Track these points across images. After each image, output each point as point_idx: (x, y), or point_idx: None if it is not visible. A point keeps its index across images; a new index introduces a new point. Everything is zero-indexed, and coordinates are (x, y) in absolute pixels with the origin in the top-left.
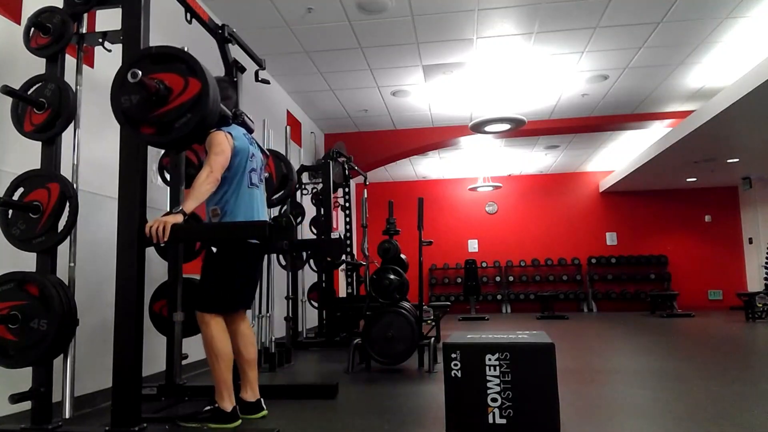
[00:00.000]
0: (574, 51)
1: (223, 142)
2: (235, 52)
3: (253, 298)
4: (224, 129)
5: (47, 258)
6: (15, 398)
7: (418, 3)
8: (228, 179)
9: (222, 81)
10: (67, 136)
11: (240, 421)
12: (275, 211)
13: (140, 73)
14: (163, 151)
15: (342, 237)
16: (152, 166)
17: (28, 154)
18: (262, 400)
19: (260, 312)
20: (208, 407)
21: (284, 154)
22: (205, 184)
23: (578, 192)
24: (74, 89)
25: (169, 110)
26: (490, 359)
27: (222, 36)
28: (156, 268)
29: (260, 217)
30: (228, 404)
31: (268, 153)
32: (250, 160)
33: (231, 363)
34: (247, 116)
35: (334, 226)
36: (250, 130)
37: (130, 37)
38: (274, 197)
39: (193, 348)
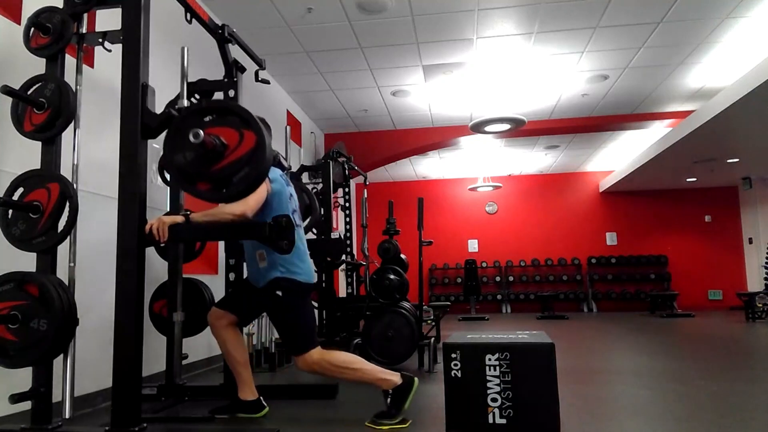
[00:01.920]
0: (574, 51)
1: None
2: (235, 52)
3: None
4: None
5: (47, 258)
6: (15, 398)
7: (418, 3)
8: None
9: (261, 122)
10: (67, 136)
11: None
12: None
13: (202, 133)
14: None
15: (342, 237)
16: (152, 166)
17: (28, 154)
18: (261, 398)
19: None
20: (384, 410)
21: (284, 154)
22: (229, 214)
23: (578, 192)
24: (74, 89)
25: (227, 165)
26: (490, 359)
27: (222, 36)
28: (156, 268)
29: (306, 258)
30: (391, 382)
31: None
32: (289, 202)
33: (363, 360)
34: (282, 156)
35: (334, 226)
36: (283, 168)
37: (130, 37)
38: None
39: (193, 348)
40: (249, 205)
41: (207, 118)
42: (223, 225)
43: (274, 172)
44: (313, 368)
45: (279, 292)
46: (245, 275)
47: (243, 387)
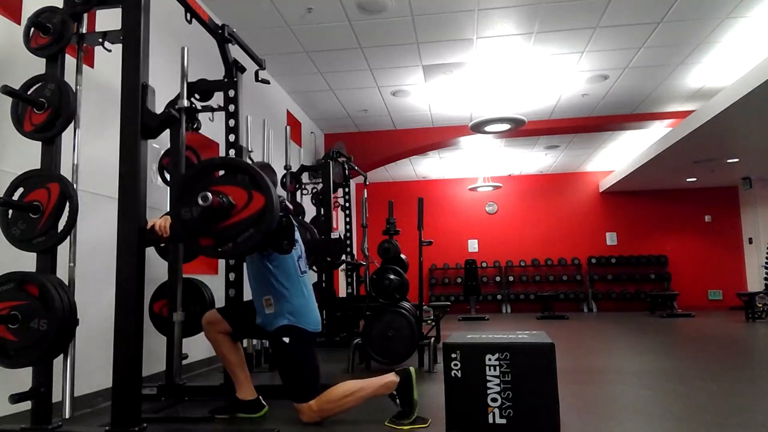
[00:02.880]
0: (574, 51)
1: None
2: (235, 52)
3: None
4: None
5: (47, 258)
6: (15, 398)
7: (418, 3)
8: (279, 269)
9: (265, 168)
10: (67, 136)
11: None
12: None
13: (211, 196)
14: (163, 151)
15: (342, 237)
16: (152, 166)
17: (28, 154)
18: (261, 397)
19: None
20: (397, 412)
21: (284, 154)
22: None
23: (578, 192)
24: (74, 89)
25: (232, 225)
26: (490, 359)
27: (222, 36)
28: (156, 268)
29: (313, 305)
30: (392, 380)
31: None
32: (295, 249)
33: (355, 381)
34: (287, 201)
35: (334, 226)
36: (288, 211)
37: (130, 37)
38: None
39: (193, 348)
40: None
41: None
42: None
43: None
44: (318, 415)
45: (286, 339)
46: (245, 275)
47: (240, 387)
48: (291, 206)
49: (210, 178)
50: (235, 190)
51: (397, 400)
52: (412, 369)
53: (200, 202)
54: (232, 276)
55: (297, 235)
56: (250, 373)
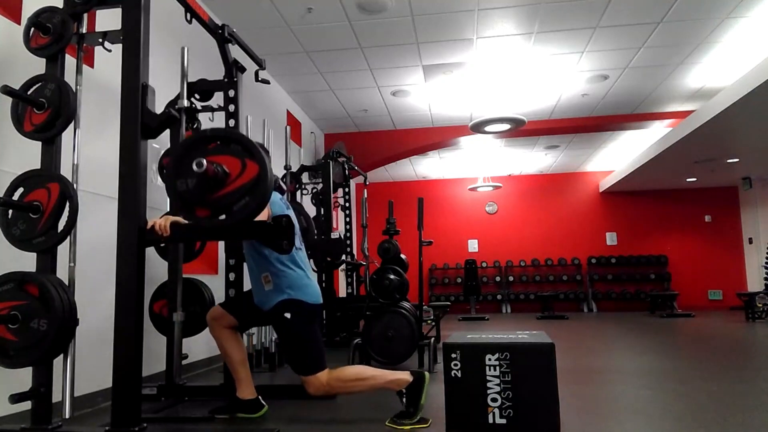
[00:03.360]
0: (574, 51)
1: None
2: (235, 52)
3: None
4: None
5: (47, 258)
6: (15, 398)
7: (418, 3)
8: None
9: (260, 147)
10: (67, 136)
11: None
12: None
13: (206, 162)
14: (163, 151)
15: (342, 237)
16: (152, 166)
17: (28, 154)
18: (260, 397)
19: None
20: (402, 410)
21: (284, 154)
22: None
23: (578, 192)
24: (74, 89)
25: (228, 194)
26: (490, 359)
27: (222, 36)
28: (156, 268)
29: (311, 279)
30: (406, 377)
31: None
32: None
33: (369, 368)
34: (281, 180)
35: (334, 226)
36: (282, 192)
37: (130, 37)
38: None
39: (193, 348)
40: None
41: (211, 146)
42: (224, 225)
43: (274, 196)
44: (325, 390)
45: (288, 315)
46: (245, 275)
47: (241, 386)
48: (285, 187)
49: (203, 149)
50: (229, 159)
51: (404, 399)
52: (427, 374)
53: (195, 168)
54: (232, 276)
55: (291, 212)
56: (251, 372)
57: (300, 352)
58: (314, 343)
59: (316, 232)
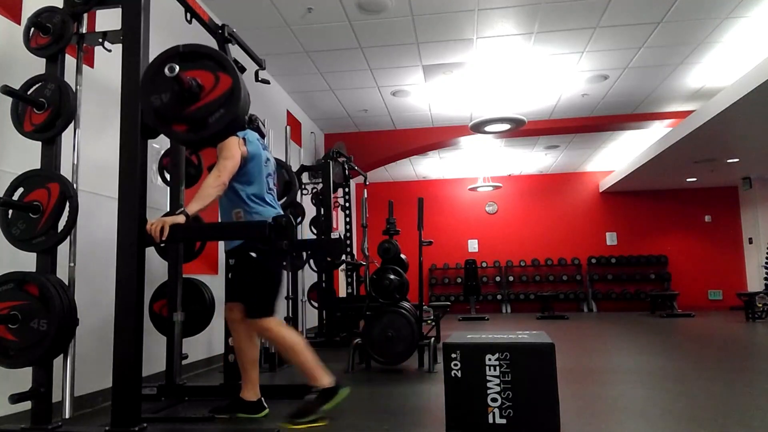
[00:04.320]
0: (574, 51)
1: (233, 147)
2: (235, 52)
3: None
4: (239, 134)
5: (47, 258)
6: (15, 398)
7: (418, 3)
8: (248, 183)
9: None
10: (67, 136)
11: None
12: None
13: (177, 67)
14: (163, 151)
15: (342, 237)
16: (152, 166)
17: (28, 154)
18: (263, 399)
19: None
20: (308, 398)
21: (284, 154)
22: (212, 188)
23: (578, 192)
24: (74, 89)
25: (203, 106)
26: (490, 359)
27: (222, 36)
28: (156, 268)
29: None
30: (325, 379)
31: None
32: (265, 165)
33: (307, 350)
34: (261, 121)
35: (334, 226)
36: (262, 135)
37: (130, 37)
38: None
39: (193, 348)
40: (224, 171)
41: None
42: (223, 225)
43: (251, 135)
44: (265, 336)
45: (253, 254)
46: None
47: (247, 386)
48: (264, 130)
49: (176, 65)
50: (202, 73)
51: (311, 397)
52: (347, 390)
53: (167, 72)
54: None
55: (268, 153)
56: None
57: (254, 291)
58: (271, 285)
59: (298, 187)
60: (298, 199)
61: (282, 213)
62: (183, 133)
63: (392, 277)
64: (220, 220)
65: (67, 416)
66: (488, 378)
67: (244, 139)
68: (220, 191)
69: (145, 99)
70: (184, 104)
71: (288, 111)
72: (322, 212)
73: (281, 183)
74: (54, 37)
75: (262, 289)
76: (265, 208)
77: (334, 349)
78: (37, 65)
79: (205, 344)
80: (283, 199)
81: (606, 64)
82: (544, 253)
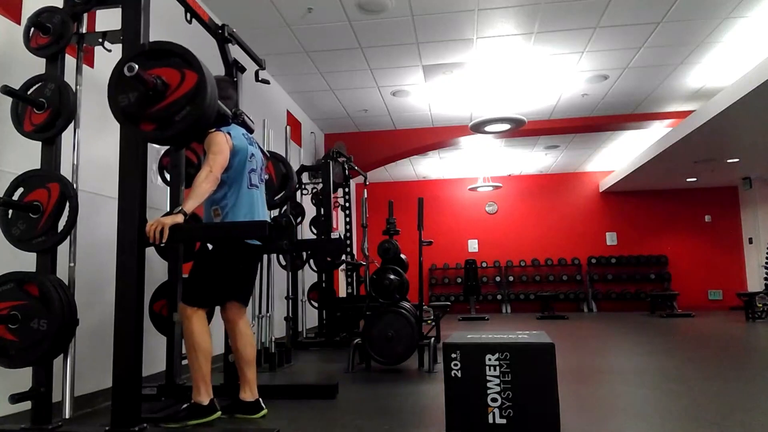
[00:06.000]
0: (574, 51)
1: (221, 142)
2: (235, 52)
3: (248, 295)
4: (223, 129)
5: (47, 258)
6: (15, 398)
7: (418, 3)
8: (228, 180)
9: (222, 80)
10: (67, 136)
11: (218, 413)
12: (276, 212)
13: (137, 66)
14: (163, 151)
15: (342, 237)
16: (152, 166)
17: (28, 154)
18: (261, 399)
19: (260, 312)
20: (185, 405)
21: (284, 154)
22: (205, 183)
23: (578, 192)
24: (74, 89)
25: (168, 104)
26: (490, 359)
27: (222, 36)
28: (156, 268)
29: (260, 218)
30: (205, 398)
31: (267, 155)
32: (249, 161)
33: (210, 357)
34: (246, 116)
35: (334, 226)
36: (250, 130)
37: (130, 37)
38: (276, 198)
39: None
40: (215, 166)
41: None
42: (223, 225)
43: (237, 130)
44: (183, 324)
45: (209, 245)
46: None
47: (244, 387)
48: (251, 124)
49: (143, 64)
50: (168, 71)
51: (185, 407)
52: (217, 414)
53: (126, 72)
54: None
55: (255, 149)
56: None
57: (192, 278)
58: (212, 280)
59: (297, 183)
60: (298, 199)
61: (265, 210)
62: (151, 132)
63: (392, 277)
64: (203, 214)
65: (67, 416)
66: (488, 378)
67: (228, 134)
68: (213, 186)
69: (113, 98)
70: (149, 103)
71: (288, 111)
72: (322, 212)
73: (278, 177)
74: (54, 37)
75: (200, 279)
76: (242, 209)
77: (334, 349)
78: (37, 65)
79: None
80: (281, 194)
81: (606, 64)
82: (544, 253)
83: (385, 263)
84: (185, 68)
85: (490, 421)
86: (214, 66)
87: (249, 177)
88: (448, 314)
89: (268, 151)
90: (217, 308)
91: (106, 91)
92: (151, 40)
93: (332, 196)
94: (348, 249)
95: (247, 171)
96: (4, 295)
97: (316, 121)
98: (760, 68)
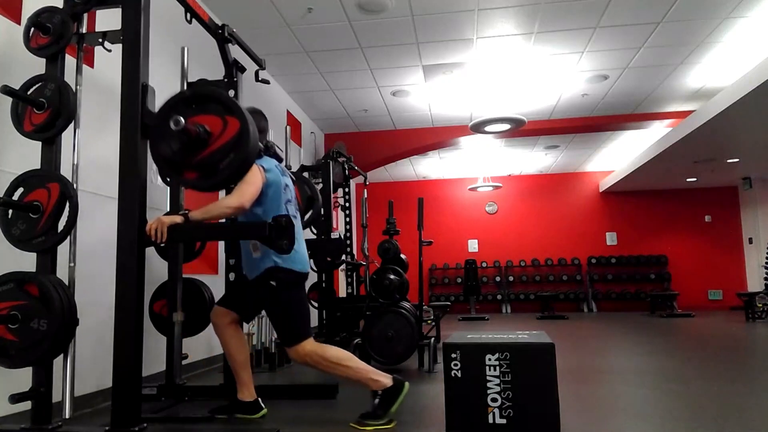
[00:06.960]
0: (574, 51)
1: (255, 174)
2: (235, 52)
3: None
4: (257, 162)
5: (47, 258)
6: (15, 398)
7: (418, 3)
8: (264, 213)
9: (255, 113)
10: (67, 136)
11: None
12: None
13: (183, 120)
14: None
15: (342, 237)
16: (152, 166)
17: (28, 154)
18: (260, 399)
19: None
20: (375, 400)
21: (284, 154)
22: (228, 208)
23: (578, 192)
24: (74, 89)
25: (212, 153)
26: (490, 359)
27: (222, 36)
28: (156, 268)
29: (302, 249)
30: (386, 381)
31: (294, 179)
32: (284, 192)
33: (355, 358)
34: (277, 147)
35: (334, 226)
36: (279, 159)
37: (130, 37)
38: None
39: (193, 348)
40: (245, 196)
41: (191, 107)
42: (223, 225)
43: (269, 162)
44: (306, 360)
45: (273, 282)
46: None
47: (241, 388)
48: (281, 154)
49: (183, 111)
50: (210, 118)
51: (377, 401)
52: (407, 384)
53: (173, 126)
54: (232, 276)
55: (287, 179)
56: (251, 372)
57: (284, 321)
58: (299, 312)
59: (321, 202)
60: None
61: (302, 239)
62: (194, 180)
63: (392, 277)
64: (242, 249)
65: (67, 416)
66: (488, 378)
67: (262, 167)
68: (234, 214)
69: (155, 147)
70: (193, 151)
71: (288, 111)
72: (322, 212)
73: (304, 199)
74: (54, 37)
75: (294, 314)
76: None
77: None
78: (37, 65)
79: (205, 344)
80: (308, 214)
81: (606, 64)
82: (544, 253)
83: (385, 263)
84: (227, 115)
85: (490, 421)
86: (214, 66)
87: (286, 208)
88: (448, 314)
89: (292, 173)
90: (216, 310)
91: (106, 91)
92: (151, 40)
93: (332, 196)
94: (348, 249)
95: (283, 202)
96: (4, 295)
97: (316, 121)
98: (760, 68)
